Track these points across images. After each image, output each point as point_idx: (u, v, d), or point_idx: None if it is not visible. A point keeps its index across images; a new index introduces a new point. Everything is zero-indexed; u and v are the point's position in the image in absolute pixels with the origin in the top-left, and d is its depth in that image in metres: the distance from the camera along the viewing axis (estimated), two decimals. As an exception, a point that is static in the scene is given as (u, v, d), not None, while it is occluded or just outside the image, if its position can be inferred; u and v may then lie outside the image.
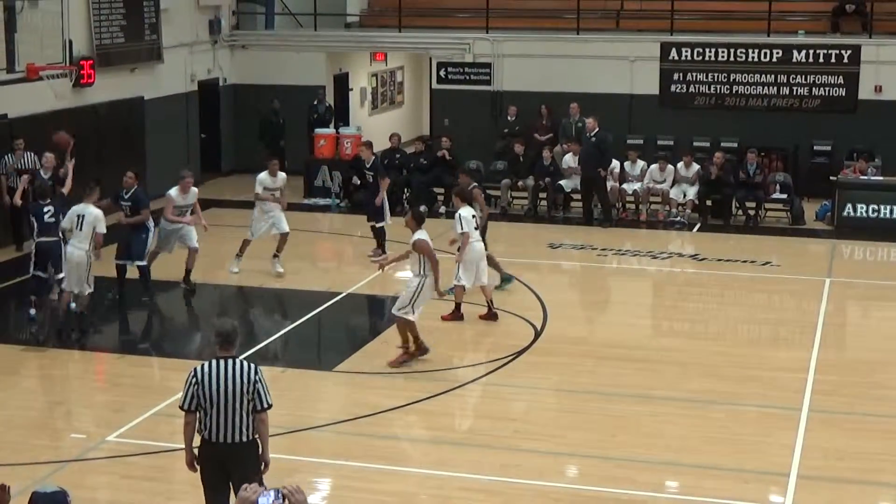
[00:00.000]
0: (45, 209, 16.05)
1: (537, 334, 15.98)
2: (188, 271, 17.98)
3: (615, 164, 23.69)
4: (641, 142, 25.61)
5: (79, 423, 13.01)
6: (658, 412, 13.30)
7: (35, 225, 16.17)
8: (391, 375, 14.33)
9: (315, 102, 26.85)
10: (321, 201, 25.07)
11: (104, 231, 15.85)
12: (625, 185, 23.66)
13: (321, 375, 14.73)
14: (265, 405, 9.32)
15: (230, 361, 9.30)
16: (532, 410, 13.65)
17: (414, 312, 14.56)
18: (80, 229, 15.74)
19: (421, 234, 14.66)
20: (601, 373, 14.62)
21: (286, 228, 19.03)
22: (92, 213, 15.78)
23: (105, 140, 23.06)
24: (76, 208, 15.91)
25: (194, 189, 18.22)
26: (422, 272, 14.58)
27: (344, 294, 17.98)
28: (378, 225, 20.00)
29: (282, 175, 19.22)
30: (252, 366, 9.35)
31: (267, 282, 19.13)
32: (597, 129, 23.19)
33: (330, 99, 28.59)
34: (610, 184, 23.51)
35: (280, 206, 19.16)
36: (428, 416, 13.14)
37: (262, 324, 17.20)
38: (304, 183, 25.58)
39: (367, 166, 20.41)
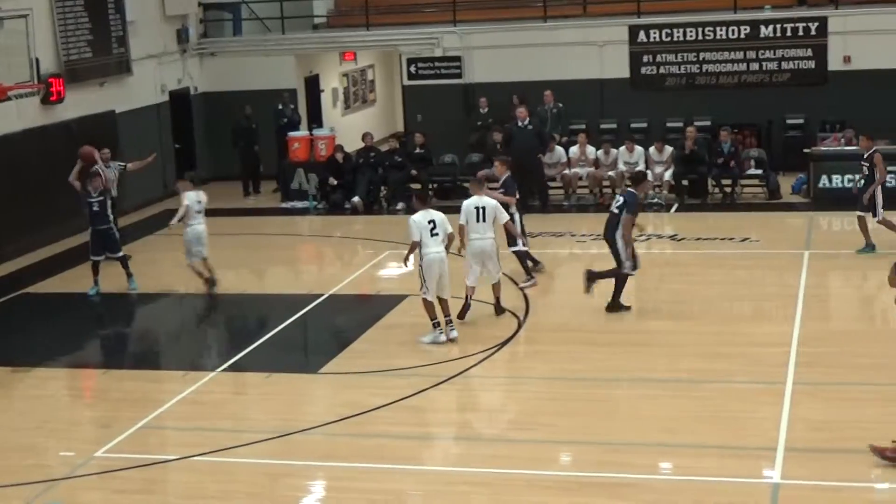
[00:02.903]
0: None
1: (520, 324, 16.03)
2: None
3: (560, 151, 23.81)
4: (615, 126, 25.71)
5: (67, 440, 12.96)
6: (647, 394, 13.36)
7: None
8: (377, 375, 14.35)
9: (280, 107, 26.81)
10: (299, 204, 25.07)
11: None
12: (598, 172, 23.73)
13: (308, 378, 14.73)
14: None
15: None
16: (520, 400, 13.70)
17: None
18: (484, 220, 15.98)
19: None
20: (587, 359, 14.66)
21: None
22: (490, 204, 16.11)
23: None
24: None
25: None
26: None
27: (326, 295, 18.00)
28: (515, 249, 17.82)
29: None
30: None
31: (249, 287, 19.18)
32: (528, 119, 23.26)
33: (302, 101, 28.61)
34: (587, 170, 23.67)
35: None
36: (416, 412, 13.16)
37: (246, 329, 17.20)
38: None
39: (499, 184, 17.98)
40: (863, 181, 18.90)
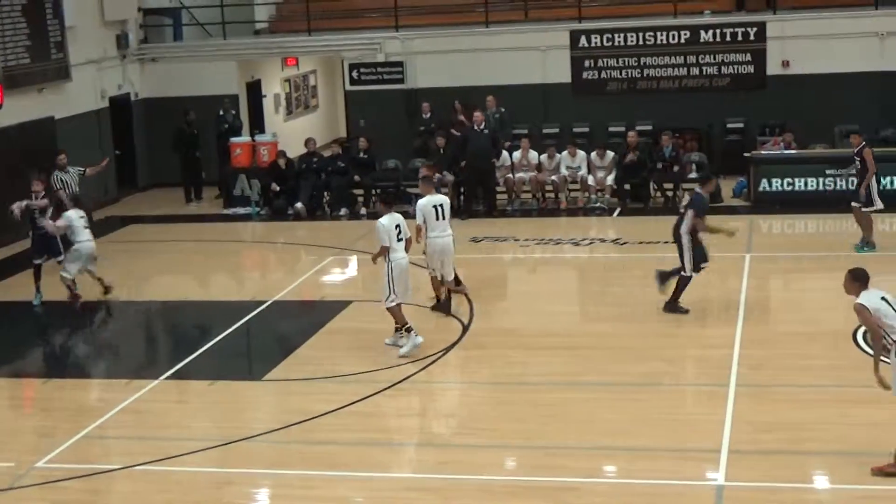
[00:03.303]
0: None
1: (465, 329, 16.03)
2: None
3: (504, 155, 23.87)
4: (557, 130, 25.79)
5: (7, 451, 12.80)
6: (590, 398, 13.40)
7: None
8: (322, 381, 14.30)
9: (221, 113, 26.66)
10: (241, 210, 24.92)
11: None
12: (541, 176, 23.81)
13: (251, 385, 14.65)
14: None
15: None
16: (465, 405, 13.72)
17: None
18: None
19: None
20: (531, 363, 14.69)
21: None
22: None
23: (17, 163, 22.73)
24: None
25: None
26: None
27: (270, 301, 17.92)
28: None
29: None
30: None
31: (192, 294, 19.06)
32: (484, 122, 23.36)
33: (244, 107, 28.47)
34: (530, 174, 23.73)
35: None
36: (362, 418, 13.12)
37: (189, 337, 17.06)
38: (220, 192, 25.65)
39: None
40: (856, 177, 19.34)
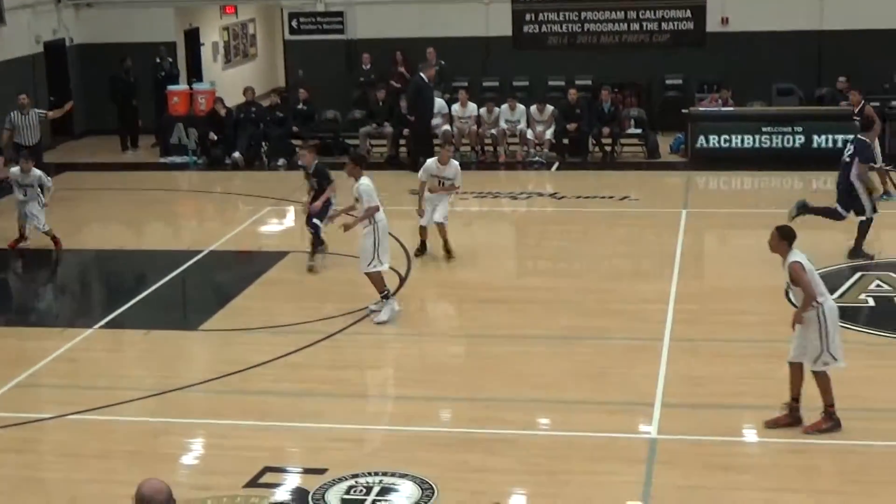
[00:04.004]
0: None
1: (402, 281, 16.03)
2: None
3: (441, 103, 23.81)
4: (497, 84, 25.76)
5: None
6: (525, 351, 13.47)
7: None
8: (258, 331, 14.26)
9: (158, 60, 26.35)
10: (178, 159, 24.70)
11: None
12: (480, 129, 23.80)
13: (187, 335, 14.57)
14: None
15: None
16: (400, 357, 13.76)
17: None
18: None
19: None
20: (468, 315, 14.74)
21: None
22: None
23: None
24: None
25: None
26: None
27: (206, 251, 17.81)
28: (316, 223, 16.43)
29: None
30: None
31: (126, 243, 18.90)
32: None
33: (182, 55, 28.15)
34: (469, 127, 23.72)
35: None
36: (297, 369, 13.12)
37: (124, 286, 16.92)
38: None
39: (310, 172, 16.70)
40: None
